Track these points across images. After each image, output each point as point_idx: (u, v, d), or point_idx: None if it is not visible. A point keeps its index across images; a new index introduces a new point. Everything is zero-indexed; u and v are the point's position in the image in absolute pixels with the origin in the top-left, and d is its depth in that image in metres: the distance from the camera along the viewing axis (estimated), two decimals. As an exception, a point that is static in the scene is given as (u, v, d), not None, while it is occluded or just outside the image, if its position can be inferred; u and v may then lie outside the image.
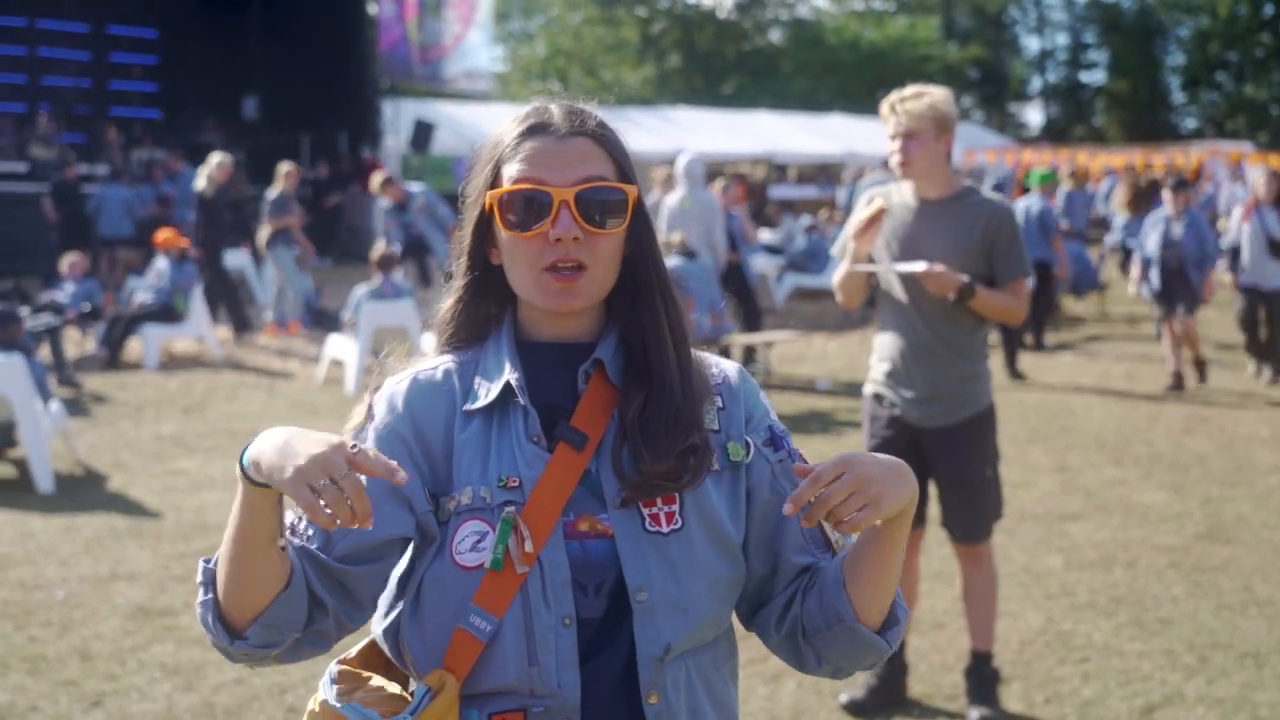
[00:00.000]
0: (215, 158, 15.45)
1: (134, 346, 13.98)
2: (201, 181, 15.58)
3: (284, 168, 16.10)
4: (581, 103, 2.00)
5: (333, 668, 1.92)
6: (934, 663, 5.50)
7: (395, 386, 1.95)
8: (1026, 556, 6.99)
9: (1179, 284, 12.22)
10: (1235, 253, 12.91)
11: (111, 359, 13.58)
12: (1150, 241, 12.48)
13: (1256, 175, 12.95)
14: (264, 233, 15.69)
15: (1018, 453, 9.29)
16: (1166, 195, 12.65)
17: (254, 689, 5.21)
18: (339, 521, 1.63)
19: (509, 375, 1.90)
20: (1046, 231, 14.26)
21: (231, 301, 15.67)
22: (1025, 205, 14.20)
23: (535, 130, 1.92)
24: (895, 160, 4.75)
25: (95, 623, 6.01)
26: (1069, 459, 9.36)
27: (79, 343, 14.26)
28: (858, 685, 5.12)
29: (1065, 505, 8.07)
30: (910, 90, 4.73)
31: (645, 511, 1.86)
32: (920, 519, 5.06)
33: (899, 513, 1.80)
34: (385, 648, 1.96)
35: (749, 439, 1.97)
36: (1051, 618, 6.05)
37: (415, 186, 17.16)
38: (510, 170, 1.91)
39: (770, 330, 14.29)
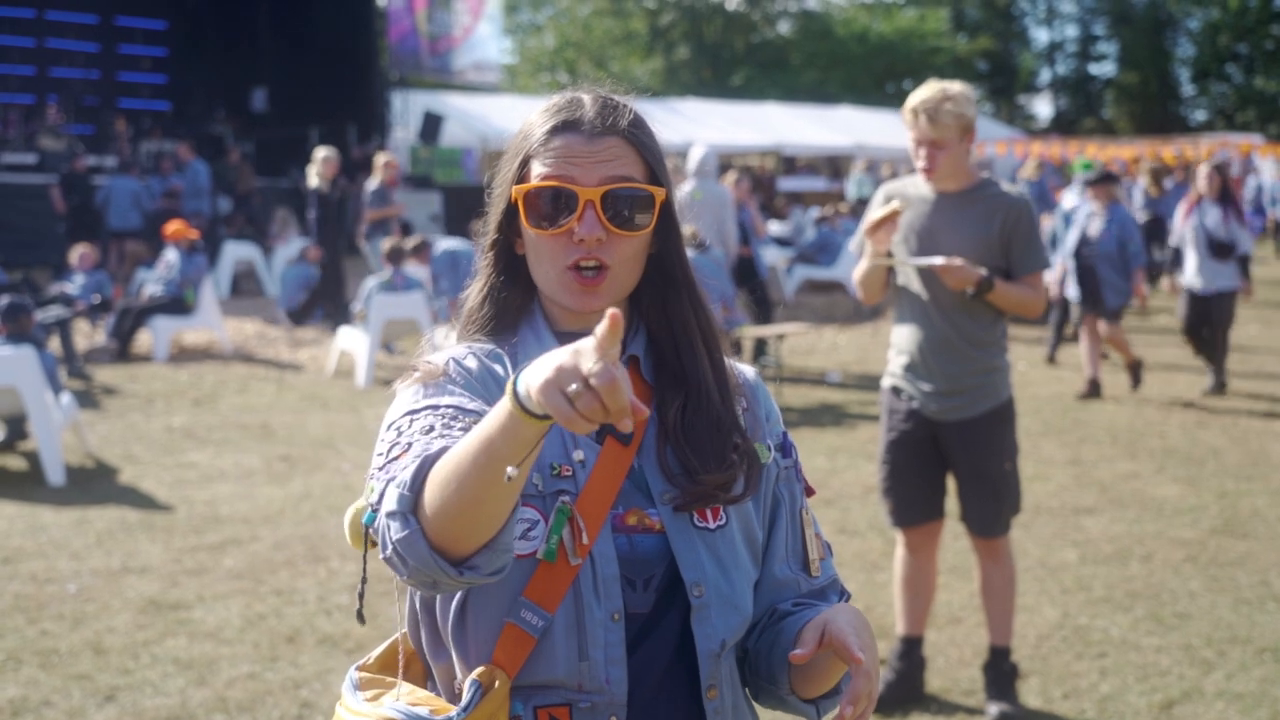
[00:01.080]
0: (320, 153, 15.21)
1: (143, 339, 13.98)
2: (314, 179, 15.34)
3: (382, 158, 16.04)
4: (616, 95, 1.96)
5: (353, 674, 1.90)
6: (951, 657, 5.47)
7: (456, 354, 1.90)
8: (1042, 550, 6.96)
9: (1091, 285, 11.52)
10: (1178, 253, 11.75)
11: (121, 351, 13.58)
12: (1070, 238, 12.01)
13: (1202, 169, 11.76)
14: (364, 224, 15.56)
15: (1031, 446, 9.25)
16: (1088, 190, 11.92)
17: (267, 684, 5.19)
18: (597, 423, 1.47)
19: None
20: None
21: (338, 300, 15.43)
22: (1074, 208, 14.34)
23: (566, 125, 1.89)
24: (920, 165, 4.72)
25: (107, 616, 5.99)
26: (1083, 452, 9.32)
27: (89, 335, 14.26)
28: (875, 680, 5.08)
29: (1080, 499, 8.03)
30: (932, 92, 4.63)
31: (695, 514, 1.87)
32: (938, 513, 5.04)
33: None
34: (422, 640, 1.90)
35: (768, 442, 1.98)
36: (1068, 612, 6.01)
37: (454, 243, 15.32)
38: (538, 166, 1.88)
39: (781, 323, 14.26)
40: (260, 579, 6.53)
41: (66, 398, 9.13)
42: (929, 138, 4.64)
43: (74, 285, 14.14)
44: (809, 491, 2.04)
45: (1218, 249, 11.25)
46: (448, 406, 1.78)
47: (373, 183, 16.02)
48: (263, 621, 5.91)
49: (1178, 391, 11.74)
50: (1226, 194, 11.45)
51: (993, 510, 4.90)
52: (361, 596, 1.83)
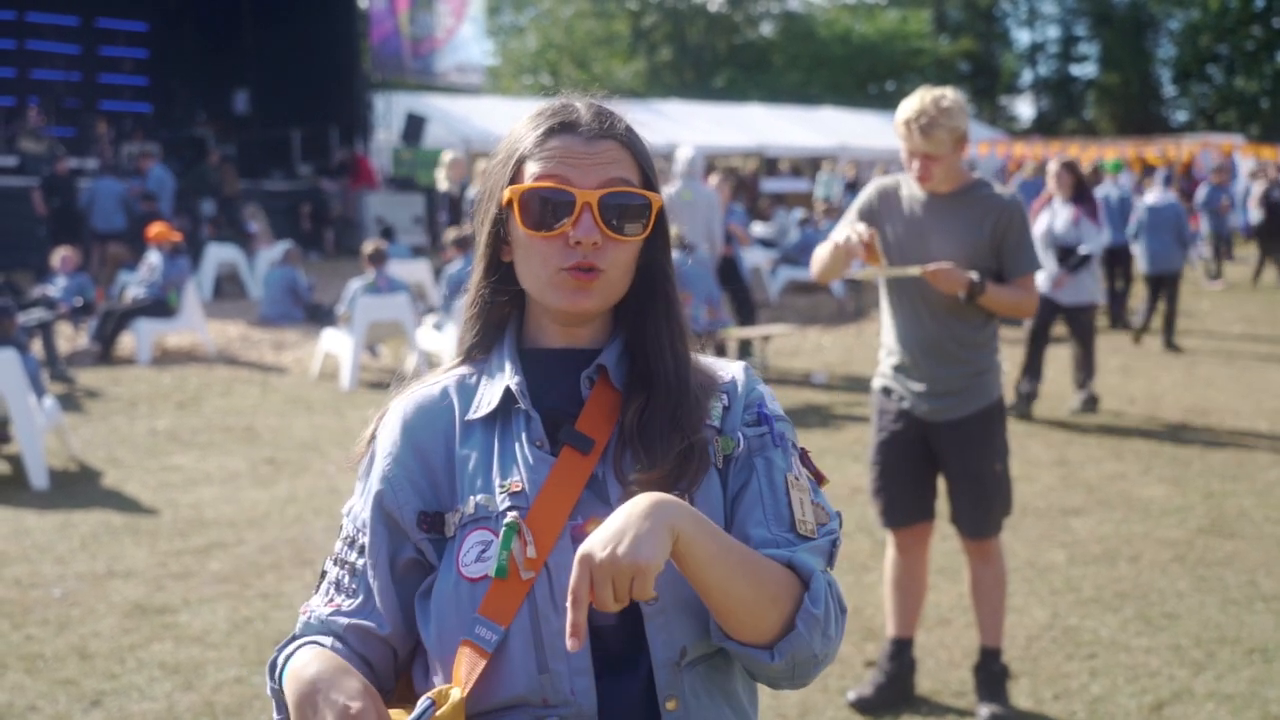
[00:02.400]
0: (448, 156, 15.06)
1: (126, 341, 13.92)
2: (443, 182, 15.18)
3: (481, 164, 15.80)
4: (609, 103, 1.95)
5: None
6: (941, 659, 5.46)
7: (393, 409, 1.94)
8: (1030, 551, 6.95)
9: None
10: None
11: (104, 354, 13.52)
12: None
13: (1052, 166, 11.14)
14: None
15: (1018, 446, 9.20)
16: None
17: (255, 688, 5.16)
18: None
19: (509, 380, 1.87)
20: (1126, 216, 15.62)
21: None
22: (1105, 193, 15.83)
23: (562, 128, 1.86)
24: (914, 176, 4.70)
25: (93, 621, 5.95)
26: (1069, 453, 9.33)
27: (71, 338, 14.20)
28: (865, 683, 5.08)
29: (1067, 500, 8.04)
30: (925, 104, 4.56)
31: None
32: (928, 514, 5.03)
33: (679, 540, 1.67)
34: (414, 677, 1.91)
35: (741, 431, 1.90)
36: (1057, 613, 6.01)
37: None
38: (533, 167, 1.85)
39: (765, 324, 14.25)
40: (246, 583, 6.49)
41: (49, 401, 9.08)
42: (923, 150, 4.62)
43: (56, 288, 14.08)
44: (819, 478, 1.93)
45: (1061, 254, 10.57)
46: (357, 535, 1.90)
47: (473, 190, 15.55)
48: (249, 625, 5.88)
49: (1162, 391, 11.76)
50: (1081, 193, 10.83)
51: (983, 511, 4.89)
52: None
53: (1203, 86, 58.04)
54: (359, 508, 1.89)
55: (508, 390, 1.86)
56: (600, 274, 1.83)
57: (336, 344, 12.48)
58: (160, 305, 13.68)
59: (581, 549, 1.62)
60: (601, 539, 1.62)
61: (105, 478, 8.71)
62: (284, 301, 15.95)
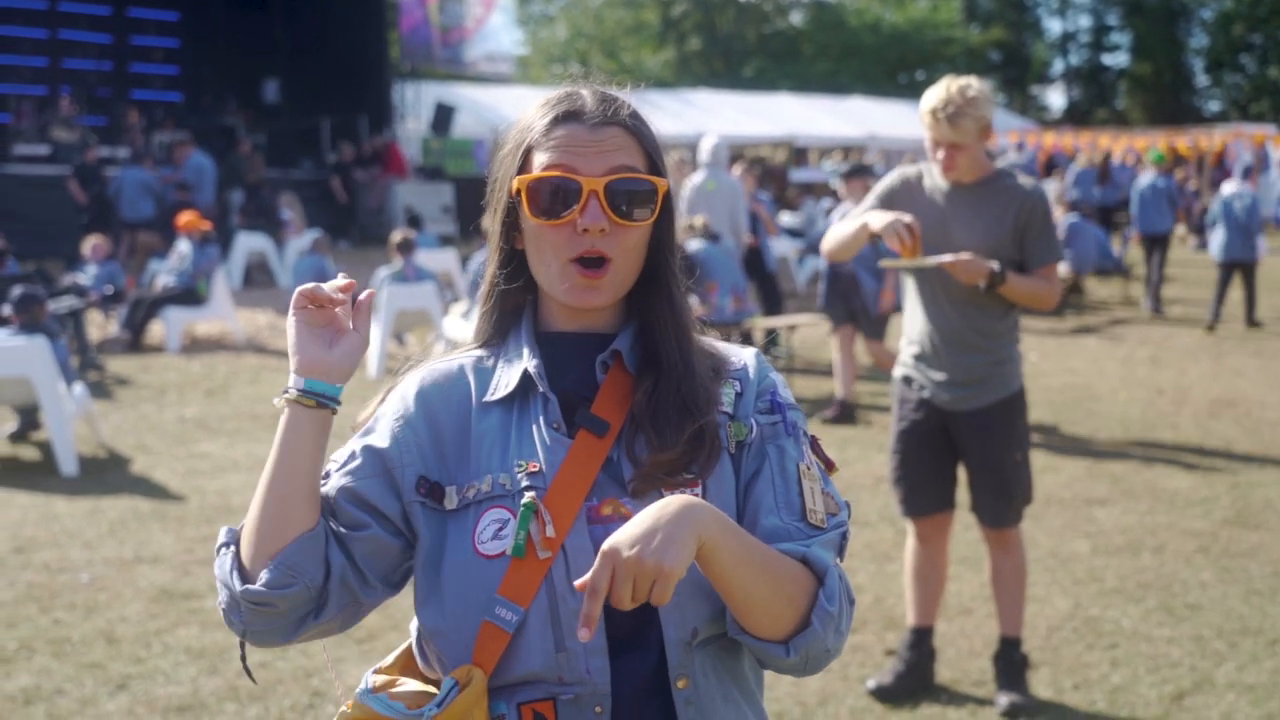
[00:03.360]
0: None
1: (156, 329, 14.00)
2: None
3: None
4: (613, 88, 1.96)
5: (369, 676, 1.90)
6: (961, 648, 5.47)
7: (409, 378, 1.97)
8: (1053, 541, 6.95)
9: (843, 293, 10.48)
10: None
11: (134, 342, 13.61)
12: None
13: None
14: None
15: (1043, 437, 9.25)
16: (839, 185, 10.30)
17: (279, 672, 5.20)
18: (325, 321, 1.87)
19: (527, 363, 1.89)
20: (1174, 205, 17.27)
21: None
22: (1151, 181, 17.46)
23: (567, 116, 1.88)
24: (940, 166, 4.70)
25: (120, 606, 6.01)
26: (1094, 443, 9.30)
27: (101, 326, 14.29)
28: (885, 671, 5.09)
29: (1091, 490, 8.02)
30: (950, 94, 4.56)
31: (667, 494, 1.78)
32: (948, 503, 5.03)
33: (704, 545, 1.67)
34: (416, 651, 1.93)
35: (754, 418, 1.91)
36: (1079, 603, 6.00)
37: None
38: (540, 156, 1.87)
39: (792, 314, 14.24)
40: (272, 569, 6.53)
41: (79, 388, 9.15)
42: (949, 140, 4.61)
43: (86, 276, 14.16)
44: (829, 465, 1.95)
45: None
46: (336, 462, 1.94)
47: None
48: (274, 611, 5.91)
49: (1190, 382, 11.72)
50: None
51: (1003, 501, 4.89)
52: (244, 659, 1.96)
53: (1235, 76, 57.69)
54: (344, 452, 1.94)
55: (526, 373, 1.88)
56: (609, 265, 1.85)
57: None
58: (190, 294, 13.75)
59: (608, 543, 1.63)
60: (629, 536, 1.62)
61: (134, 464, 8.78)
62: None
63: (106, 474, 8.54)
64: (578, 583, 1.65)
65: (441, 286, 13.19)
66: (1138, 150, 30.93)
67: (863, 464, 8.55)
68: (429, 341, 12.64)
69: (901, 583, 5.88)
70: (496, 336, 1.98)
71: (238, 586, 1.79)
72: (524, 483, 1.81)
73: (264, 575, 1.78)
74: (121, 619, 5.83)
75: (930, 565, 5.08)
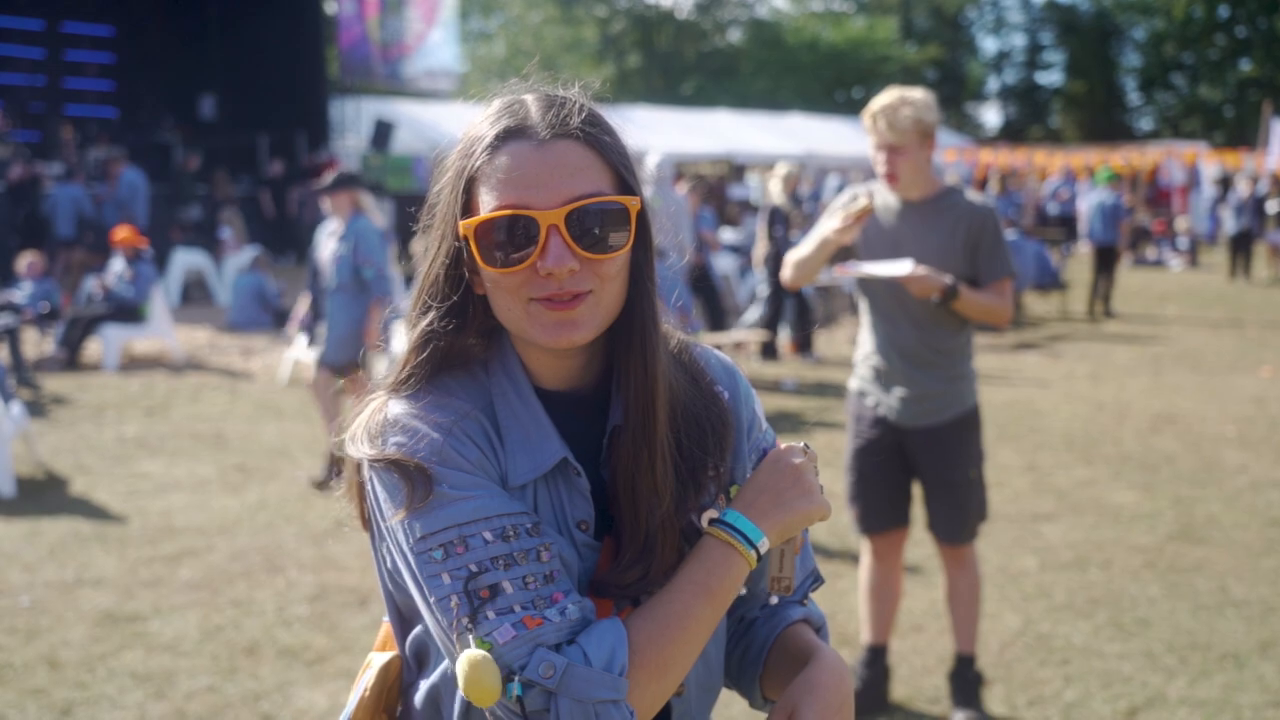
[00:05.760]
0: (782, 169, 13.93)
1: (93, 348, 13.82)
2: (777, 196, 13.80)
3: (781, 169, 14.20)
4: (561, 90, 1.69)
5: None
6: (915, 665, 5.46)
7: (447, 439, 1.62)
8: (1001, 557, 6.97)
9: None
10: None
11: (70, 360, 13.42)
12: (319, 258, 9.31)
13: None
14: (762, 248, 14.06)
15: (989, 453, 9.26)
16: (324, 201, 8.87)
17: (227, 697, 5.12)
18: None
19: (562, 451, 1.66)
20: (1118, 219, 18.48)
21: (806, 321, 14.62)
22: (1100, 200, 18.66)
23: (510, 134, 1.61)
24: (881, 172, 4.71)
25: (62, 629, 5.90)
26: (1039, 459, 9.36)
27: (37, 344, 14.07)
28: (840, 689, 5.07)
29: (1037, 505, 8.06)
30: (892, 98, 4.65)
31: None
32: (904, 520, 5.04)
33: None
34: (417, 704, 1.77)
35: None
36: (1030, 619, 6.02)
37: None
38: (485, 192, 1.60)
39: (736, 330, 14.25)
40: (217, 590, 6.45)
41: (16, 407, 9.00)
42: (888, 142, 4.64)
43: (22, 293, 13.97)
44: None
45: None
46: (508, 518, 1.60)
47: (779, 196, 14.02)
48: (220, 633, 5.84)
49: (1130, 398, 11.82)
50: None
51: (959, 518, 4.90)
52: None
53: (1167, 95, 58.52)
54: (482, 507, 1.59)
55: (564, 461, 1.66)
56: (586, 295, 1.61)
57: (305, 350, 12.41)
58: (128, 311, 13.58)
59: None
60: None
61: (73, 485, 8.64)
62: (252, 307, 15.88)
63: (45, 495, 8.39)
64: None
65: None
66: (1072, 169, 31.31)
67: (810, 481, 8.55)
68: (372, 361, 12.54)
69: (852, 600, 5.88)
70: (465, 387, 1.69)
71: None
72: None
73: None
74: (64, 643, 5.72)
75: (885, 582, 5.08)
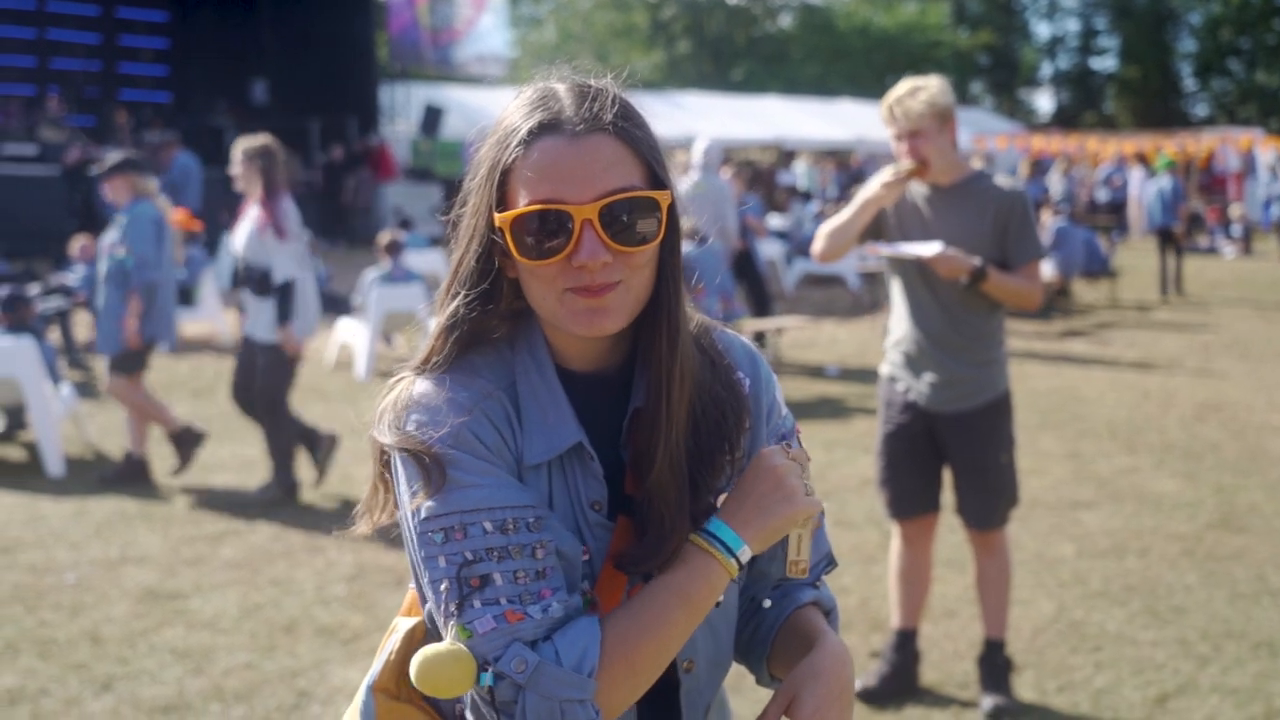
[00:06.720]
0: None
1: (144, 330, 13.95)
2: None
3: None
4: (594, 81, 1.71)
5: (366, 695, 1.82)
6: (945, 650, 5.48)
7: (462, 421, 1.66)
8: (1038, 544, 6.96)
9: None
10: None
11: (121, 342, 13.55)
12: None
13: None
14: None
15: (1029, 440, 9.26)
16: (105, 186, 8.53)
17: (264, 673, 5.20)
18: None
19: (578, 435, 1.70)
20: (1177, 203, 19.25)
21: None
22: (1160, 185, 19.37)
23: (544, 128, 1.63)
24: (905, 161, 4.73)
25: (105, 606, 6.00)
26: (1081, 446, 9.32)
27: (89, 326, 14.24)
28: (870, 673, 5.10)
29: (1077, 493, 8.04)
30: (905, 87, 4.69)
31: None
32: (934, 505, 5.05)
33: None
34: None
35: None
36: (1064, 606, 6.02)
37: None
38: (519, 184, 1.64)
39: (780, 316, 14.26)
40: (258, 569, 6.54)
41: (66, 388, 9.14)
42: (906, 129, 4.66)
43: (75, 276, 14.14)
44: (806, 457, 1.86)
45: (257, 280, 8.10)
46: (511, 510, 1.63)
47: None
48: (260, 611, 5.92)
49: (1176, 386, 11.75)
50: (271, 193, 8.19)
51: (989, 503, 4.90)
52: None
53: (1223, 80, 57.87)
54: (487, 497, 1.63)
55: (579, 445, 1.70)
56: (617, 285, 1.64)
57: (352, 333, 12.52)
58: (178, 293, 13.69)
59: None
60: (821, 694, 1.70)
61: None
62: (301, 291, 15.98)
63: (93, 474, 8.52)
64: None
65: (429, 287, 13.17)
66: (1125, 155, 31.03)
67: (849, 465, 8.57)
68: (417, 344, 12.63)
69: (886, 585, 5.89)
70: (491, 367, 1.73)
71: None
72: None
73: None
74: (107, 619, 5.83)
75: (915, 567, 5.09)
